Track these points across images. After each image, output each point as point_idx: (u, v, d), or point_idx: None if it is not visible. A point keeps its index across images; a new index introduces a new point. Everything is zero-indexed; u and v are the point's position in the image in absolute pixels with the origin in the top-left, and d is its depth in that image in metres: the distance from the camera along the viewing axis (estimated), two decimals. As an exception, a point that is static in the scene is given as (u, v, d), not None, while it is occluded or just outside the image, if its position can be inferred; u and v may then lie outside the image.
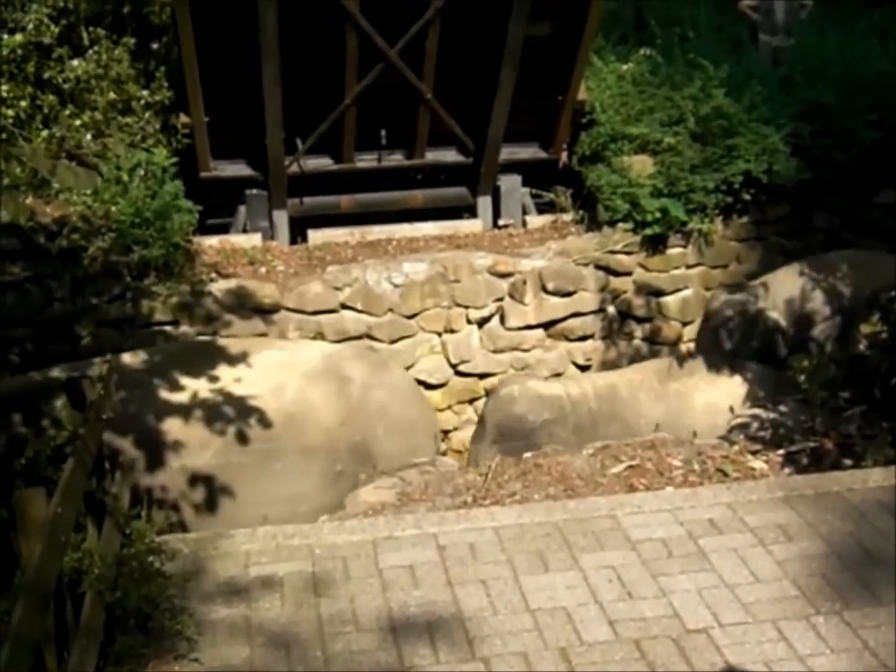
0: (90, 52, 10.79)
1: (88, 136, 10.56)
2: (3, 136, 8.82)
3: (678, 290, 11.67)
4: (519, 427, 9.85)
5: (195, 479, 8.68)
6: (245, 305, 10.64)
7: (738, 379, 10.01)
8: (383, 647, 5.82)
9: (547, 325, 11.32)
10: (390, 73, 10.88)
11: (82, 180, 10.56)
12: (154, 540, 6.49)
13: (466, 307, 11.20)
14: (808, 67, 12.39)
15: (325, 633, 5.95)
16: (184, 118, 11.00)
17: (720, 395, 9.93)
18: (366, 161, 11.76)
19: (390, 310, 10.98)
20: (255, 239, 11.46)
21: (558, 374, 11.40)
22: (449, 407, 11.23)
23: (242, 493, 8.72)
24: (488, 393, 11.02)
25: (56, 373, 8.91)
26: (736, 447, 8.27)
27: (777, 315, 10.79)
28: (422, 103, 11.24)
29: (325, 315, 10.83)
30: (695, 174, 11.42)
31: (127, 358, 9.36)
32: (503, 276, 11.24)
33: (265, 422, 8.90)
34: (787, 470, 7.94)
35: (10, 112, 8.89)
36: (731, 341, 10.89)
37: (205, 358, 9.38)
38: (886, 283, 9.63)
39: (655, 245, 11.60)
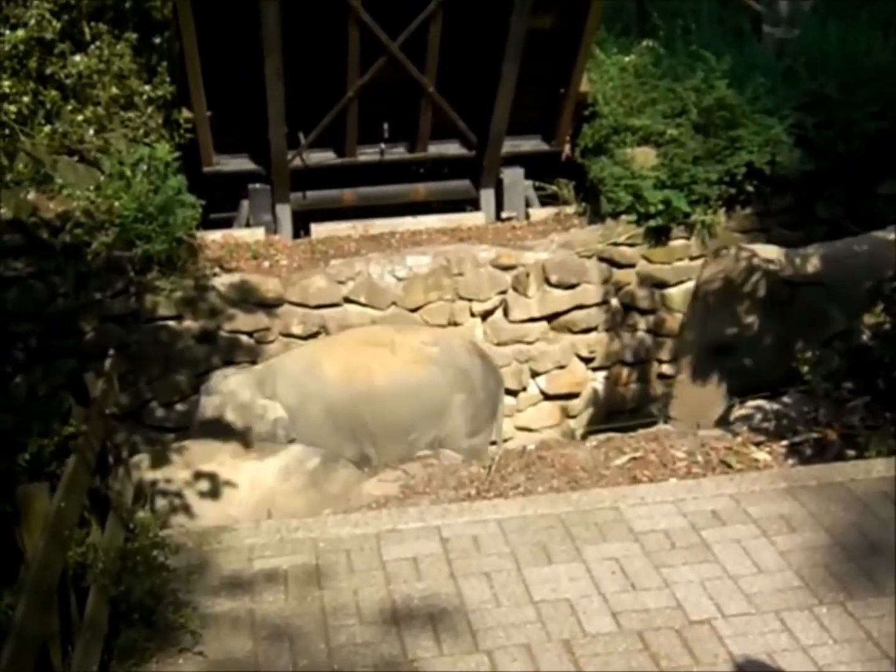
0: (92, 47, 10.79)
1: (91, 132, 10.57)
2: (6, 132, 8.81)
3: (681, 281, 11.67)
4: None
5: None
6: (248, 300, 10.67)
7: (272, 462, 8.29)
8: (387, 639, 5.81)
9: (550, 318, 11.35)
10: (392, 66, 10.89)
11: (83, 176, 10.58)
12: (158, 534, 6.49)
13: (470, 300, 11.21)
14: (811, 59, 12.39)
15: (328, 625, 5.95)
16: (186, 113, 11.02)
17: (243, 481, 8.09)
18: (368, 155, 11.77)
19: (394, 303, 11.00)
20: (258, 233, 11.48)
21: (562, 367, 11.42)
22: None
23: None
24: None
25: None
26: (739, 438, 8.23)
27: (279, 403, 9.22)
28: (424, 97, 11.24)
29: (329, 309, 10.85)
30: (697, 166, 11.43)
31: None
32: (506, 268, 11.26)
33: None
34: (790, 461, 7.90)
35: (13, 108, 8.88)
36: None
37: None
38: None
39: (658, 237, 11.61)
